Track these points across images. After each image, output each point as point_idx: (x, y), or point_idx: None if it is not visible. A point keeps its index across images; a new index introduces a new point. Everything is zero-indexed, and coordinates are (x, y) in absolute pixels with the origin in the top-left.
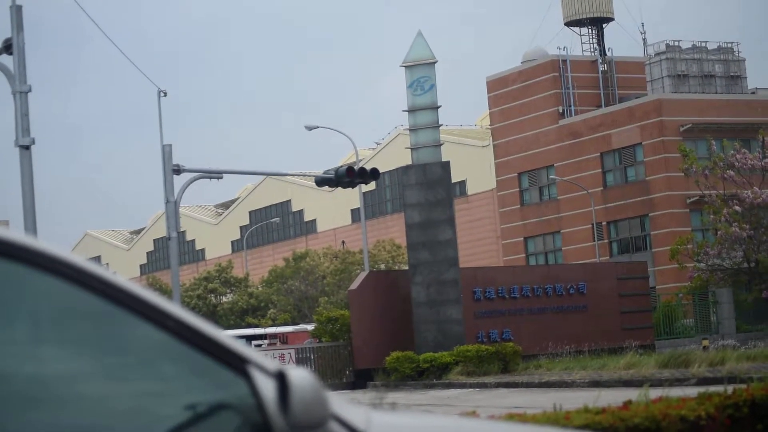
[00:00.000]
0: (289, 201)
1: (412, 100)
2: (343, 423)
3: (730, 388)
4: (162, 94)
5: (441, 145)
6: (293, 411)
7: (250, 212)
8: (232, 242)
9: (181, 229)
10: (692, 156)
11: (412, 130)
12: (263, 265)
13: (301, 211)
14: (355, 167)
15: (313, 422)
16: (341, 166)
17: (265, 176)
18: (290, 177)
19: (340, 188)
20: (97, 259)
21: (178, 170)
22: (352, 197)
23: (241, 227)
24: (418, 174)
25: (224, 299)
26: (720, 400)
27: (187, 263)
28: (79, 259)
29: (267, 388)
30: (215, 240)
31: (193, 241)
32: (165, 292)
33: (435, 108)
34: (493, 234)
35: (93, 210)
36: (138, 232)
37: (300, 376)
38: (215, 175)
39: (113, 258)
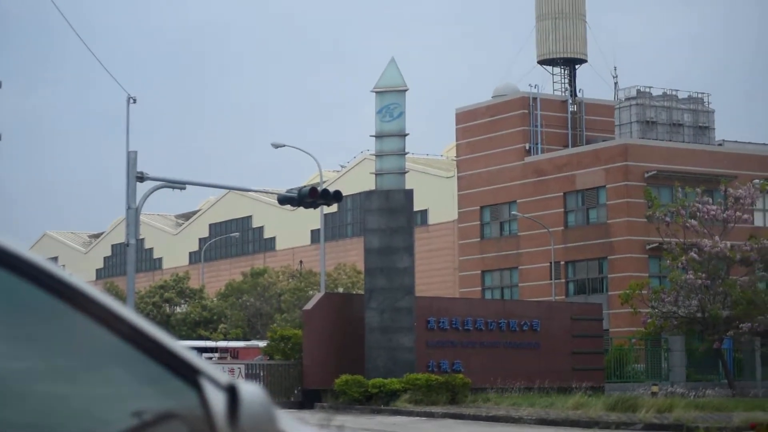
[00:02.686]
0: (250, 217)
1: (381, 126)
2: None
3: None
4: (131, 101)
5: (406, 172)
6: (242, 425)
7: (210, 225)
8: (190, 253)
9: (141, 237)
10: (656, 202)
11: (378, 155)
12: (219, 279)
13: (261, 228)
14: (319, 188)
15: None
16: (304, 186)
17: (227, 190)
18: (252, 193)
19: (301, 208)
20: (54, 260)
21: (141, 178)
22: (312, 218)
23: (200, 239)
24: (380, 200)
25: (178, 309)
26: None
27: (143, 271)
28: (34, 255)
29: (217, 400)
30: (173, 250)
31: (151, 249)
32: (120, 298)
33: (402, 135)
34: (451, 265)
35: (53, 210)
36: (97, 236)
37: (251, 392)
38: (178, 185)
39: (70, 260)
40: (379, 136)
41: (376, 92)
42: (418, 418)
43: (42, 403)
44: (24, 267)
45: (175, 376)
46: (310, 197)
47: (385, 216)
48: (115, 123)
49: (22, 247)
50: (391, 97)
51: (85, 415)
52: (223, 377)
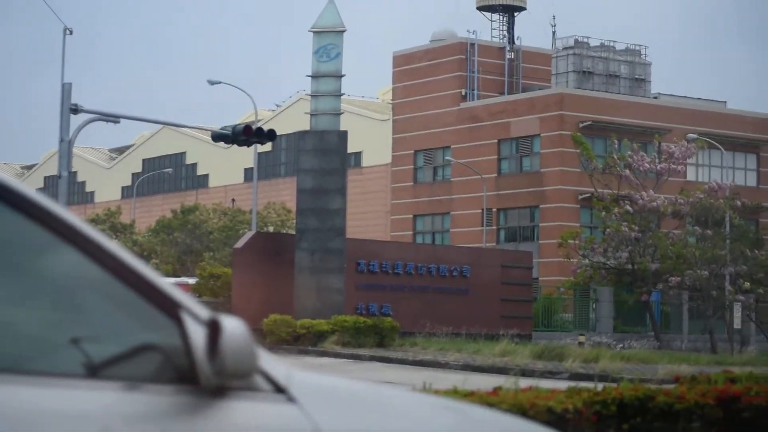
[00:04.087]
0: (184, 153)
1: (317, 66)
2: (265, 376)
3: (600, 386)
4: (68, 32)
5: (341, 114)
6: (223, 358)
7: (143, 160)
8: (123, 188)
9: (73, 170)
10: (587, 147)
11: (314, 96)
12: (151, 215)
13: (194, 165)
14: (254, 127)
15: (241, 372)
16: (239, 124)
17: (162, 125)
18: (187, 130)
19: (235, 146)
20: None
21: (75, 110)
22: (246, 156)
23: (133, 174)
24: (314, 140)
25: None
26: (589, 396)
27: (75, 204)
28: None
29: (197, 334)
30: (106, 184)
31: (84, 182)
32: None
33: (339, 76)
34: (384, 208)
35: None
36: (30, 167)
37: (234, 326)
38: (112, 118)
39: None
40: (315, 77)
41: (314, 32)
42: (345, 360)
43: (15, 333)
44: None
45: (157, 309)
46: (244, 135)
47: (318, 157)
48: (46, 55)
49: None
50: (328, 38)
51: (63, 346)
52: (204, 312)
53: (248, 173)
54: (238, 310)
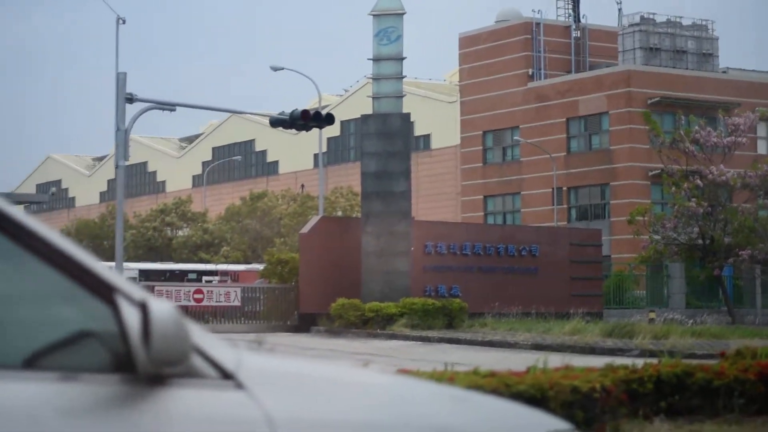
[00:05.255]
0: (253, 140)
1: (378, 49)
2: (210, 362)
3: (640, 362)
4: (121, 21)
5: (403, 96)
6: (153, 344)
7: (213, 148)
8: (194, 177)
9: (144, 160)
10: (656, 125)
11: (375, 79)
12: (222, 202)
13: (264, 152)
14: (321, 112)
15: (173, 358)
16: (296, 109)
17: (230, 114)
18: (255, 117)
19: (304, 132)
20: (58, 183)
21: (131, 99)
22: (315, 142)
23: (203, 162)
24: (377, 123)
25: (180, 233)
26: (625, 373)
27: (147, 194)
28: None
29: (133, 318)
30: (177, 173)
31: (155, 172)
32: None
33: (400, 59)
34: (454, 190)
35: (57, 134)
36: (101, 159)
37: (162, 308)
38: (168, 106)
39: (74, 183)
40: (376, 60)
41: (374, 15)
42: (413, 342)
43: None
44: None
45: (90, 293)
46: (302, 119)
47: (382, 140)
48: (101, 44)
49: None
50: (388, 21)
51: None
52: (138, 294)
53: (318, 159)
54: (305, 295)
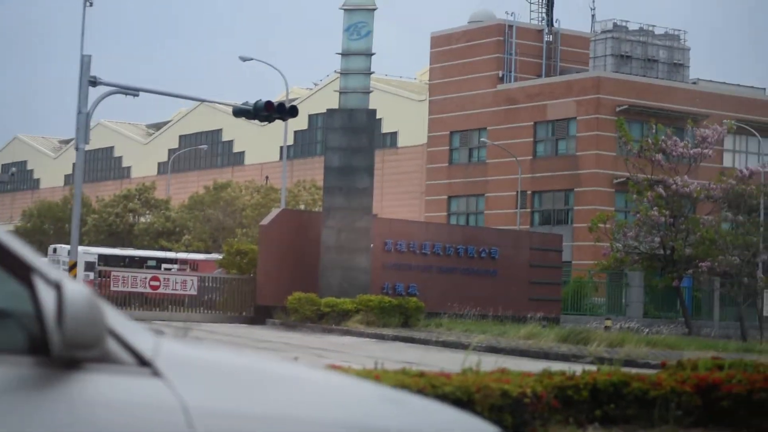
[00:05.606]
0: (220, 130)
1: (347, 44)
2: (128, 348)
3: (581, 370)
4: (88, 3)
5: (370, 92)
6: (65, 326)
7: (180, 136)
8: (159, 164)
9: (110, 144)
10: (627, 132)
11: (343, 74)
12: (187, 191)
13: (231, 142)
14: (287, 105)
15: (86, 341)
16: (260, 100)
17: (198, 102)
18: (225, 107)
19: (272, 124)
20: (23, 164)
21: (94, 82)
22: (282, 134)
23: (169, 150)
24: (343, 118)
25: (142, 219)
26: (561, 380)
27: (112, 179)
28: None
29: (49, 299)
30: (143, 159)
31: (120, 157)
32: (84, 205)
33: (369, 54)
34: (419, 189)
35: (23, 115)
36: (67, 141)
37: (75, 290)
38: (131, 91)
39: (39, 165)
40: (345, 54)
41: (345, 10)
42: (368, 339)
43: None
44: None
45: (8, 273)
46: (266, 111)
47: (347, 135)
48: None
49: None
50: (359, 16)
51: None
52: (54, 275)
53: (284, 151)
54: (263, 287)
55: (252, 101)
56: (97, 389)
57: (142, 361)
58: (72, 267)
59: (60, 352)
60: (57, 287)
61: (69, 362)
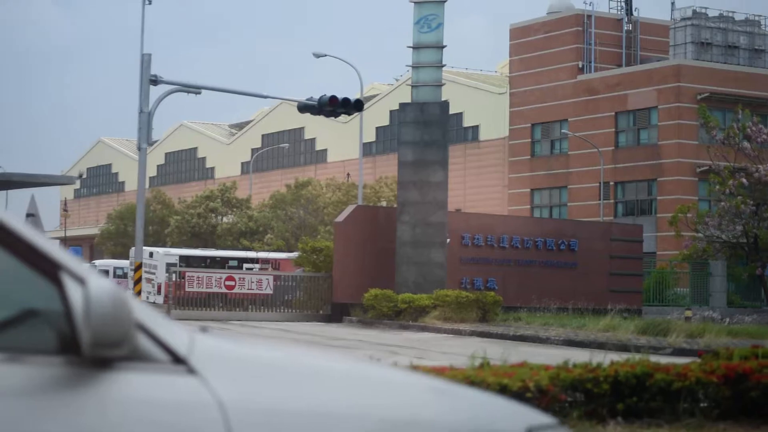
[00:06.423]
0: (303, 128)
1: (418, 37)
2: (161, 345)
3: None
4: (147, 2)
5: (442, 85)
6: (91, 324)
7: (262, 135)
8: (242, 163)
9: (194, 146)
10: (712, 119)
11: (414, 67)
12: (270, 189)
13: (313, 140)
14: (344, 97)
15: (112, 339)
16: (324, 95)
17: (280, 101)
18: None
19: (353, 121)
20: (108, 167)
21: (155, 81)
22: (365, 130)
23: (252, 149)
24: (415, 112)
25: (225, 220)
26: (580, 372)
27: (196, 180)
28: None
29: (78, 296)
30: (226, 159)
31: (204, 158)
32: (167, 206)
33: (440, 47)
34: (501, 182)
35: (106, 118)
36: (152, 144)
37: (100, 287)
38: (193, 89)
39: (124, 167)
40: (416, 48)
41: (414, 3)
42: (444, 335)
43: None
44: None
45: (37, 271)
46: (330, 105)
47: (419, 129)
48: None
49: None
50: (429, 8)
51: None
52: (83, 272)
53: (366, 147)
54: (339, 285)
55: (311, 96)
56: (130, 388)
57: (176, 358)
58: (137, 268)
59: (89, 351)
60: (83, 284)
61: (100, 361)
